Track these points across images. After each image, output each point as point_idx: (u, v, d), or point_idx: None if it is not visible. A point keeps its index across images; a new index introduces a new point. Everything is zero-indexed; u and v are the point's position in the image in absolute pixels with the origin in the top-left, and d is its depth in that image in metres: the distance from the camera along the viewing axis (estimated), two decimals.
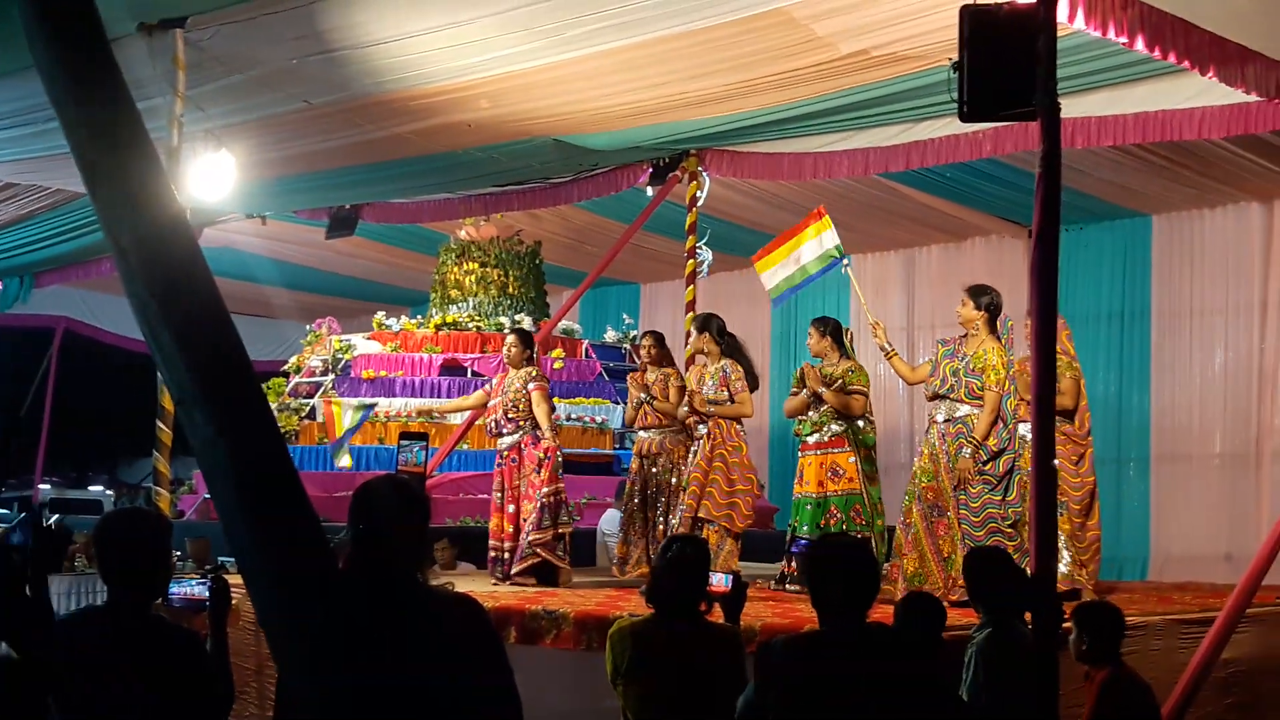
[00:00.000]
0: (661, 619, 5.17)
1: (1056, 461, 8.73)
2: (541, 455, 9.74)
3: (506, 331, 10.90)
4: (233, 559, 6.35)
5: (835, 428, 9.37)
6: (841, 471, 9.31)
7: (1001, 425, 8.35)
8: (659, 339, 10.45)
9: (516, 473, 9.84)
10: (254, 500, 3.33)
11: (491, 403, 10.13)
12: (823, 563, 4.46)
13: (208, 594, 4.57)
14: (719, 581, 5.37)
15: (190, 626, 4.55)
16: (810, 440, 9.45)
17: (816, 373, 9.42)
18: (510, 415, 9.87)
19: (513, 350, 10.08)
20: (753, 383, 9.76)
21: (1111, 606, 6.60)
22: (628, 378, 11.04)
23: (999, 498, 8.31)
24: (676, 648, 5.06)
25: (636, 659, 5.06)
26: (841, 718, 4.12)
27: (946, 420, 8.59)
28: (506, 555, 9.80)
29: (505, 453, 9.94)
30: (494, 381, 10.38)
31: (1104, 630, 6.15)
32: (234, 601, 4.63)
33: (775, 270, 10.17)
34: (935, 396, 8.68)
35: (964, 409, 8.47)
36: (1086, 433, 9.34)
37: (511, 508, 9.80)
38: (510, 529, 9.79)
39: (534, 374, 9.98)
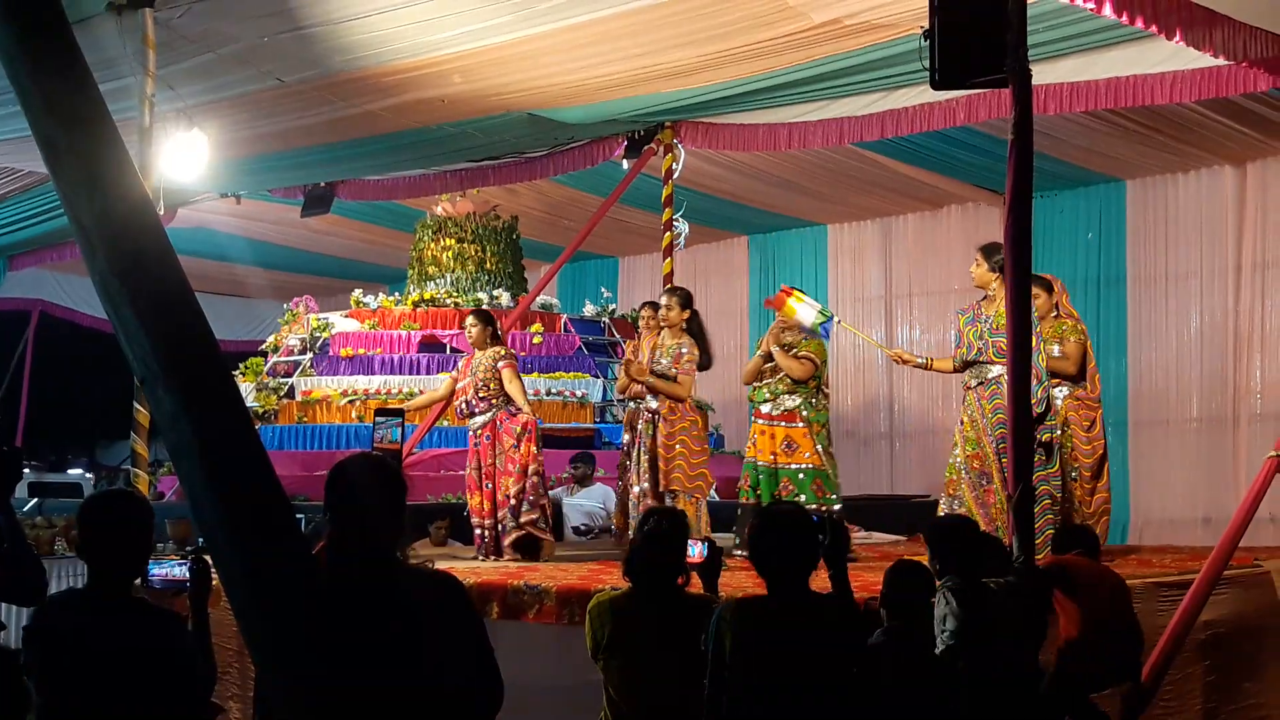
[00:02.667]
0: (640, 592, 5.19)
1: (1062, 430, 8.90)
2: (520, 429, 9.75)
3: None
4: None
5: (789, 403, 9.37)
6: (796, 446, 9.31)
7: (1036, 383, 7.86)
8: (656, 308, 10.34)
9: (491, 450, 9.82)
10: (220, 478, 3.32)
11: (460, 384, 10.09)
12: (763, 532, 4.63)
13: (188, 575, 4.58)
14: (697, 552, 5.38)
15: (171, 607, 4.55)
16: (763, 409, 9.46)
17: (775, 332, 9.48)
18: (482, 395, 9.85)
19: (473, 331, 10.10)
20: (706, 363, 9.73)
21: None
22: (626, 348, 11.00)
23: (1041, 469, 8.08)
24: (656, 620, 5.07)
25: (616, 633, 5.08)
26: (779, 678, 4.33)
27: (979, 384, 8.55)
28: (488, 534, 9.80)
29: (479, 431, 9.93)
30: (460, 365, 10.34)
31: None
32: (215, 582, 4.62)
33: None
34: (965, 364, 8.68)
35: (995, 370, 8.40)
36: (1098, 397, 9.40)
37: (489, 485, 9.79)
38: (489, 506, 9.80)
39: (502, 353, 10.00)
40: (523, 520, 9.65)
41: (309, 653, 3.39)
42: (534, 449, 9.75)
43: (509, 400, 9.86)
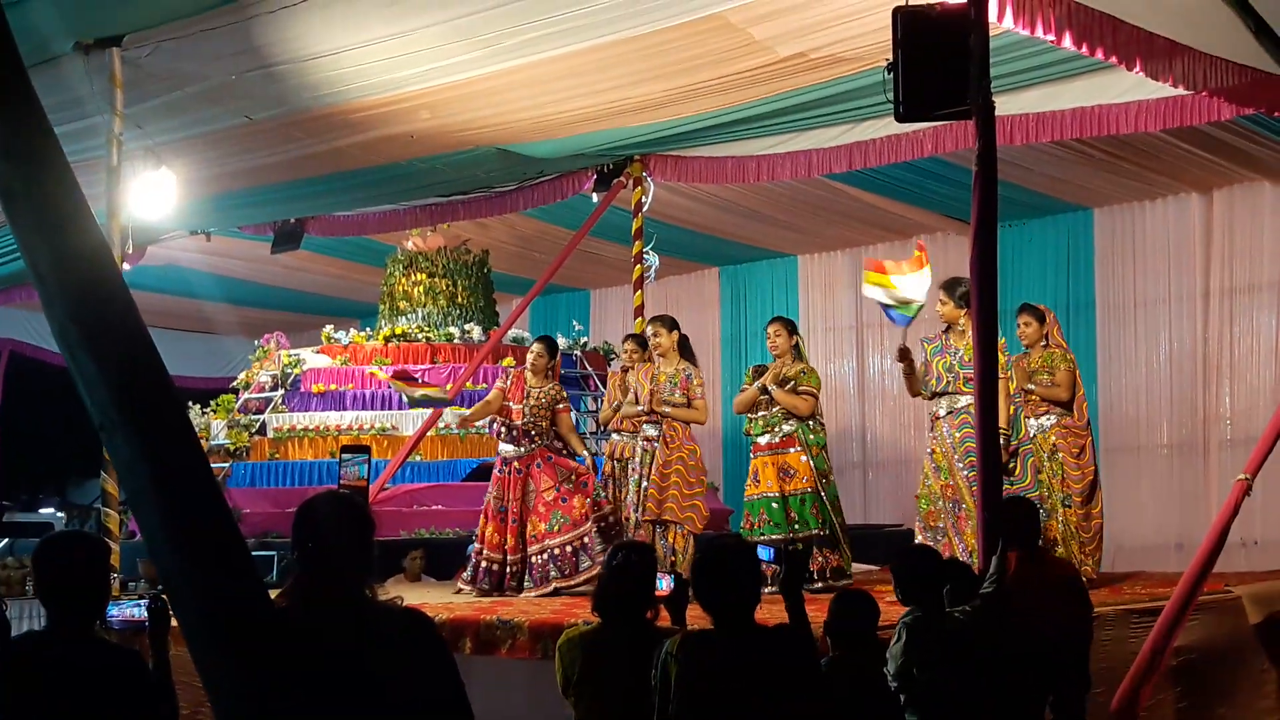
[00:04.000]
0: (610, 627, 5.17)
1: (1050, 457, 9.02)
2: (572, 475, 9.67)
3: (531, 341, 10.74)
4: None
5: (786, 428, 9.44)
6: (793, 471, 9.38)
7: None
8: (641, 342, 10.39)
9: (521, 486, 9.71)
10: (177, 523, 3.31)
11: (513, 405, 9.88)
12: (704, 566, 4.65)
13: (146, 615, 4.56)
14: (665, 585, 5.38)
15: (136, 647, 4.53)
16: (761, 441, 9.52)
17: (777, 368, 9.52)
18: (528, 429, 9.77)
19: (539, 361, 9.97)
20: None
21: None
22: (609, 377, 10.99)
23: (1008, 483, 8.16)
24: (626, 655, 5.05)
25: (586, 668, 5.06)
26: (721, 711, 4.36)
27: (949, 413, 8.66)
28: (495, 567, 9.65)
29: (513, 463, 9.81)
30: (507, 383, 10.05)
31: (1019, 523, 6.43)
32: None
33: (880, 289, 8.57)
34: (934, 395, 8.76)
35: (964, 399, 8.52)
36: (1085, 424, 9.55)
37: (514, 521, 9.64)
38: (511, 541, 9.65)
39: (563, 394, 9.96)
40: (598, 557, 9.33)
41: (272, 694, 3.37)
42: (588, 502, 9.62)
43: (554, 440, 9.82)
